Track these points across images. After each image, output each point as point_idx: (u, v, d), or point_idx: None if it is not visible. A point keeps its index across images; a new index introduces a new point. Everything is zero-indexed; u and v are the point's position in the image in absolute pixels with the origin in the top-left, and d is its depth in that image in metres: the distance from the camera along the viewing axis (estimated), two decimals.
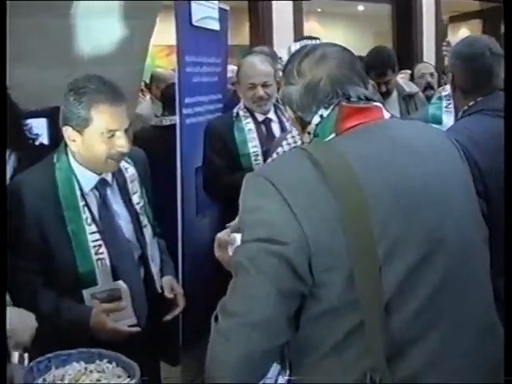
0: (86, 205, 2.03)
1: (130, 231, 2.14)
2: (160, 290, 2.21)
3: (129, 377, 1.47)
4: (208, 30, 3.83)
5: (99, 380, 1.45)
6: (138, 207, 2.17)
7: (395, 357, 1.31)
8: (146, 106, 5.15)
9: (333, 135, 1.41)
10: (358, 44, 11.88)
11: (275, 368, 1.52)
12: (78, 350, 1.55)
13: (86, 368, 1.50)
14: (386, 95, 3.88)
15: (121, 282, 2.04)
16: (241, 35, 7.20)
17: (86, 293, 2.01)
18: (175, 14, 3.38)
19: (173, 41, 3.38)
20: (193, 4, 3.59)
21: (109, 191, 2.12)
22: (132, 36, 3.47)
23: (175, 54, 3.40)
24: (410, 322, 1.33)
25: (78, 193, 2.04)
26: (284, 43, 5.56)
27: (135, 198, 2.17)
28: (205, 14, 3.81)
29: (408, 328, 1.33)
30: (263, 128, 3.27)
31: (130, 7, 3.41)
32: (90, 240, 2.01)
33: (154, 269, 2.20)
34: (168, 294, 2.21)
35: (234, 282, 1.37)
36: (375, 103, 1.46)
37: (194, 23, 3.61)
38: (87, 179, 2.06)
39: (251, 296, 1.31)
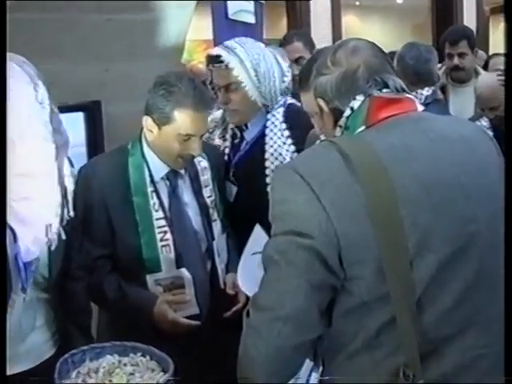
0: (155, 191, 2.08)
1: (198, 223, 2.17)
2: (223, 286, 2.22)
3: (162, 371, 1.47)
4: (244, 23, 3.83)
5: (132, 373, 1.45)
6: (208, 200, 2.20)
7: (428, 355, 1.29)
8: None
9: (363, 127, 1.39)
10: (396, 37, 11.78)
11: (308, 364, 1.50)
12: (112, 343, 1.56)
13: (119, 361, 1.51)
14: (458, 71, 3.66)
15: (184, 270, 2.07)
16: (278, 28, 7.16)
17: (149, 278, 2.05)
18: (211, 7, 3.39)
19: (209, 35, 3.38)
20: None
21: (180, 182, 2.17)
22: (167, 31, 3.47)
23: (212, 48, 3.40)
24: (444, 319, 1.31)
25: (148, 179, 2.09)
26: (322, 37, 5.53)
27: (206, 191, 2.20)
28: (240, 7, 3.82)
29: (441, 325, 1.31)
30: None
31: (166, 1, 3.41)
32: (156, 226, 2.05)
33: (220, 264, 2.21)
34: (230, 290, 2.20)
35: (264, 276, 1.36)
36: (408, 95, 1.44)
37: (230, 16, 3.62)
38: (158, 168, 2.12)
39: (282, 290, 1.29)
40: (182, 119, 2.01)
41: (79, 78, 2.88)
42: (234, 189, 2.39)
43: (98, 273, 2.05)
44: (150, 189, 2.07)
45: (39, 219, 1.57)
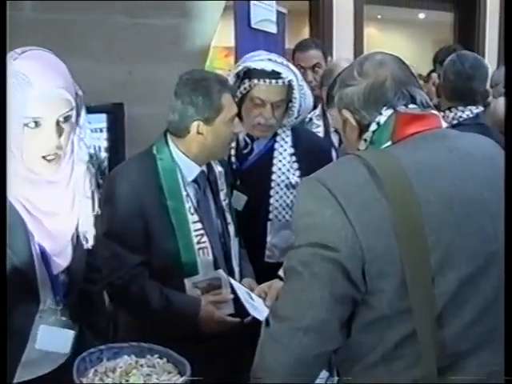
0: (188, 195, 2.09)
1: (218, 226, 2.20)
2: None
3: (179, 373, 1.48)
4: (266, 32, 3.85)
5: (149, 374, 1.46)
6: (224, 204, 2.22)
7: (445, 369, 1.29)
8: None
9: (389, 143, 1.39)
10: (417, 52, 11.76)
11: (323, 374, 1.51)
12: (130, 344, 1.56)
13: (136, 362, 1.51)
14: None
15: (221, 271, 2.09)
16: (300, 38, 7.18)
17: (187, 282, 2.06)
18: (234, 15, 3.40)
19: (231, 42, 3.39)
20: (252, 6, 3.62)
21: (207, 184, 2.19)
22: (193, 36, 3.49)
23: (233, 55, 3.42)
24: (462, 334, 1.31)
25: (181, 183, 2.09)
26: (344, 47, 5.54)
27: (222, 195, 2.23)
28: (263, 17, 3.85)
29: (459, 340, 1.31)
30: None
31: (193, 6, 3.43)
32: (192, 229, 2.07)
33: (236, 268, 2.23)
34: None
35: (286, 286, 1.37)
36: (433, 111, 1.45)
37: (253, 25, 3.64)
38: (190, 170, 2.13)
39: (305, 300, 1.30)
40: (227, 103, 2.08)
41: (103, 78, 2.91)
42: (244, 198, 2.41)
43: (136, 281, 2.04)
44: (184, 192, 2.09)
45: (64, 232, 1.59)
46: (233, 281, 2.06)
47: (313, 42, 3.80)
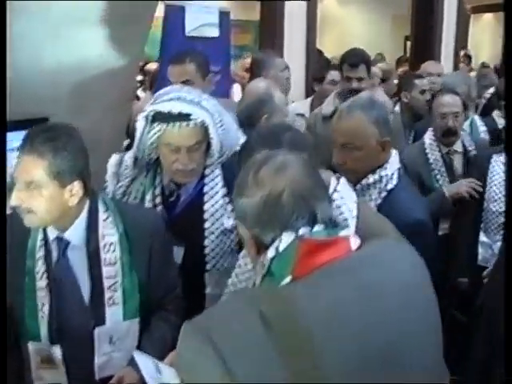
0: (45, 256, 1.88)
1: (87, 303, 1.91)
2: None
3: None
4: (206, 38, 3.56)
5: None
6: (106, 282, 1.90)
7: None
8: None
9: (289, 278, 1.16)
10: (376, 26, 11.56)
11: None
12: None
13: None
14: (356, 95, 3.42)
15: (56, 348, 1.87)
16: (253, 10, 6.85)
17: (30, 345, 1.88)
18: (163, 24, 3.11)
19: None
20: (188, 13, 3.32)
21: (72, 252, 1.88)
22: (120, 47, 3.20)
23: None
24: None
25: (39, 243, 1.87)
26: (296, 19, 5.27)
27: (109, 271, 1.90)
28: (202, 22, 3.55)
29: None
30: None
31: (119, 15, 3.14)
32: (38, 294, 1.89)
33: (101, 356, 1.91)
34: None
35: None
36: (342, 233, 1.23)
37: (189, 33, 3.35)
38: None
39: None
40: None
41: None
42: (181, 249, 2.13)
43: None
44: (40, 253, 1.86)
45: None
46: (137, 355, 1.80)
47: (188, 55, 3.08)
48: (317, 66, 5.18)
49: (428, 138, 3.29)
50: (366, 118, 2.13)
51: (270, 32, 5.24)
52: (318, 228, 1.19)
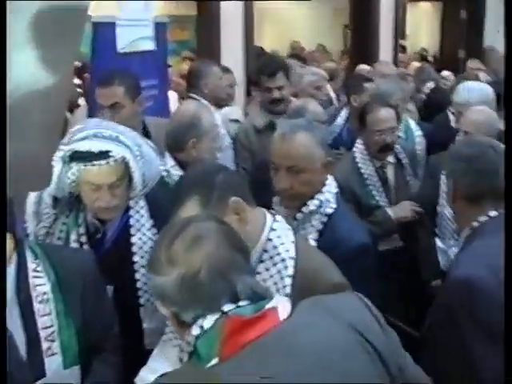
0: None
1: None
2: None
3: None
4: (141, 52, 3.48)
5: None
6: (43, 332, 1.80)
7: None
8: None
9: (216, 360, 1.12)
10: (317, 19, 11.57)
11: None
12: None
13: None
14: (279, 104, 3.43)
15: None
16: (192, 5, 6.73)
17: None
18: (92, 42, 3.01)
19: None
20: (118, 29, 3.23)
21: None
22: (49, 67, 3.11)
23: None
24: None
25: None
26: (233, 15, 5.24)
27: (43, 322, 1.81)
28: (137, 36, 3.46)
29: None
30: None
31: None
32: None
33: None
34: None
35: None
36: (269, 305, 1.18)
37: (121, 50, 3.26)
38: None
39: None
40: None
41: None
42: (110, 288, 2.07)
43: None
44: None
45: None
46: None
47: (117, 77, 2.89)
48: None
49: (359, 152, 3.08)
50: (311, 138, 2.07)
51: (206, 29, 5.19)
52: (242, 303, 1.16)
